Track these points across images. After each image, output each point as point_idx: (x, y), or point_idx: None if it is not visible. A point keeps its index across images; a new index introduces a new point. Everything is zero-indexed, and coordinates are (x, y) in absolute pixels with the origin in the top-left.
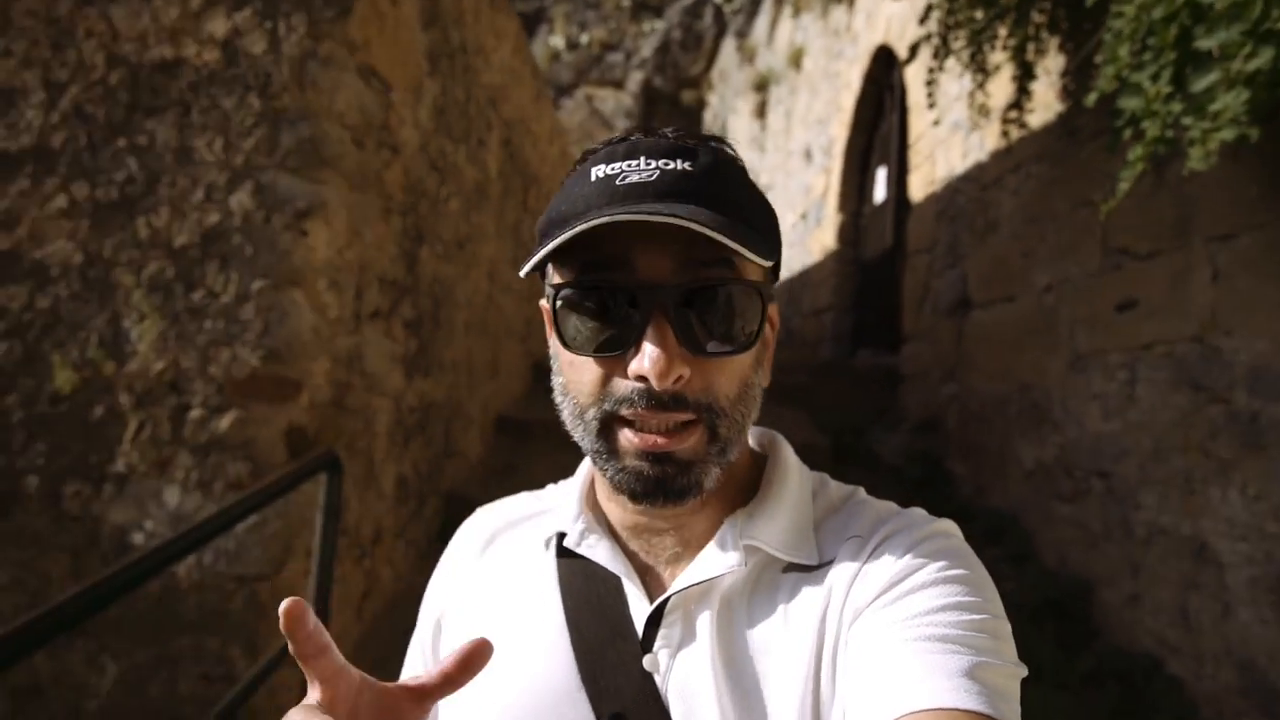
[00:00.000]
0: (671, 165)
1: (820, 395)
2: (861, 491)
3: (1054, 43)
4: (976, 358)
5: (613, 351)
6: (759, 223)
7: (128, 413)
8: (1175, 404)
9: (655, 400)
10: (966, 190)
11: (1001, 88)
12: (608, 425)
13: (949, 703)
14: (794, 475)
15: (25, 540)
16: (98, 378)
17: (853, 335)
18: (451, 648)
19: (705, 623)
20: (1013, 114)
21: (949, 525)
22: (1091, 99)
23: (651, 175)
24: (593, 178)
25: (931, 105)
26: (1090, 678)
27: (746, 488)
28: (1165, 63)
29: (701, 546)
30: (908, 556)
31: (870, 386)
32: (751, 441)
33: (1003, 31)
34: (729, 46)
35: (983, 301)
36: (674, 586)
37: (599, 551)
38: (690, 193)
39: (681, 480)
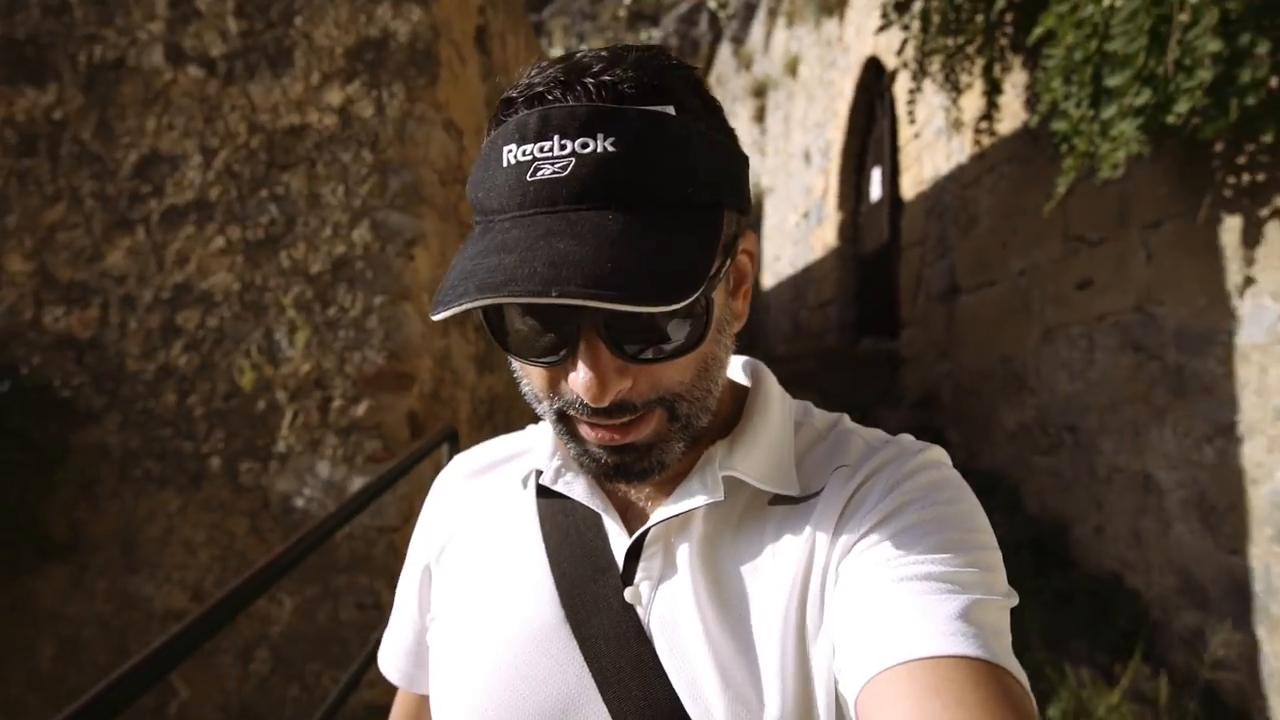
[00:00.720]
0: (590, 147)
1: (828, 380)
2: (846, 419)
3: (1018, 60)
4: (965, 338)
5: (550, 358)
6: (706, 194)
7: (285, 405)
8: (1123, 364)
9: (599, 411)
10: (950, 189)
11: (973, 101)
12: (564, 416)
13: (944, 649)
14: (775, 406)
15: (213, 507)
16: (260, 378)
17: (855, 325)
18: (440, 592)
19: (686, 554)
20: (983, 124)
21: (939, 454)
22: (1034, 121)
23: (566, 167)
24: (504, 163)
25: (912, 121)
26: (1064, 596)
27: (729, 420)
28: (1084, 95)
29: (681, 479)
30: (898, 488)
31: (873, 370)
32: (737, 373)
33: (971, 52)
34: (725, 52)
35: (969, 287)
36: (654, 519)
37: (576, 488)
38: (611, 190)
39: (642, 464)
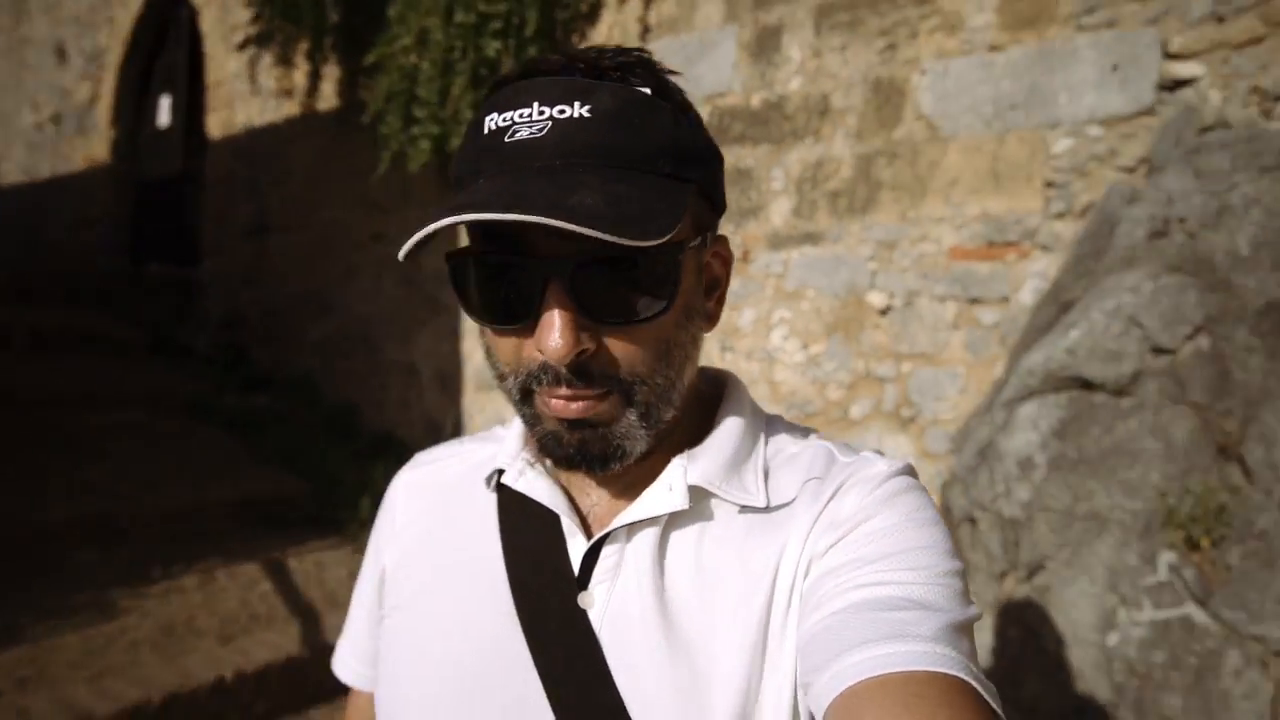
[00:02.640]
0: (566, 112)
1: (121, 299)
2: (818, 433)
3: (334, 58)
4: (276, 269)
5: (515, 323)
6: (672, 166)
7: None
8: (401, 293)
9: (559, 377)
10: (266, 141)
11: (299, 79)
12: (527, 391)
13: (916, 665)
14: (744, 417)
15: None
16: None
17: (130, 249)
18: (394, 592)
19: (643, 560)
20: (307, 101)
21: (907, 469)
22: (366, 119)
23: (543, 129)
24: (485, 129)
25: (253, 80)
26: (360, 451)
27: (696, 430)
28: (398, 116)
29: (644, 486)
30: (868, 504)
31: (167, 293)
32: (705, 384)
33: (304, 45)
34: None
35: (281, 228)
36: (613, 524)
37: (538, 488)
38: (583, 150)
39: (601, 447)
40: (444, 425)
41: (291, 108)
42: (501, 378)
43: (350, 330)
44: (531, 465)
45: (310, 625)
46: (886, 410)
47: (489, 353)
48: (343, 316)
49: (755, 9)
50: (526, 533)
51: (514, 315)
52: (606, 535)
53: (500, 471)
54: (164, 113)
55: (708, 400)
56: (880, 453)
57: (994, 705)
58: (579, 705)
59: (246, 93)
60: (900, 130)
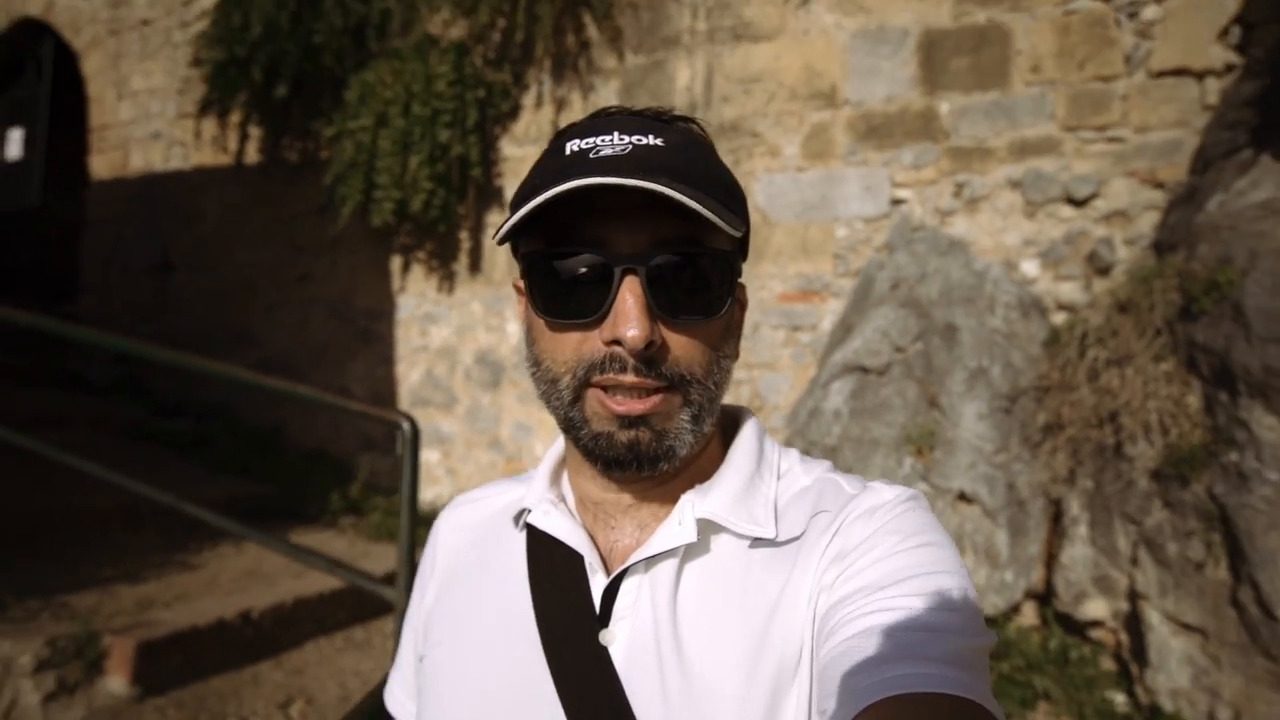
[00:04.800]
0: (644, 140)
1: None
2: (830, 466)
3: (256, 119)
4: (182, 305)
5: (587, 318)
6: (725, 198)
7: None
8: (331, 326)
9: (629, 365)
10: (170, 186)
11: (207, 129)
12: (580, 393)
13: (930, 686)
14: (754, 451)
15: None
16: None
17: None
18: (433, 630)
19: (658, 595)
20: (226, 156)
21: (916, 496)
22: (328, 180)
23: (624, 149)
24: (567, 151)
25: (179, 142)
26: (295, 465)
27: (711, 463)
28: (359, 177)
29: (659, 523)
30: (875, 533)
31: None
32: (722, 418)
33: (236, 113)
34: None
35: (189, 267)
36: (630, 560)
37: (561, 528)
38: (660, 167)
39: (655, 446)
40: (376, 440)
41: (200, 157)
42: (553, 381)
43: (272, 360)
44: (556, 505)
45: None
46: (743, 402)
47: (538, 363)
48: (264, 348)
49: None
50: (552, 571)
51: (585, 309)
52: (624, 572)
53: (527, 510)
54: (15, 145)
55: (723, 434)
56: (889, 482)
57: None
58: None
59: (145, 139)
60: None
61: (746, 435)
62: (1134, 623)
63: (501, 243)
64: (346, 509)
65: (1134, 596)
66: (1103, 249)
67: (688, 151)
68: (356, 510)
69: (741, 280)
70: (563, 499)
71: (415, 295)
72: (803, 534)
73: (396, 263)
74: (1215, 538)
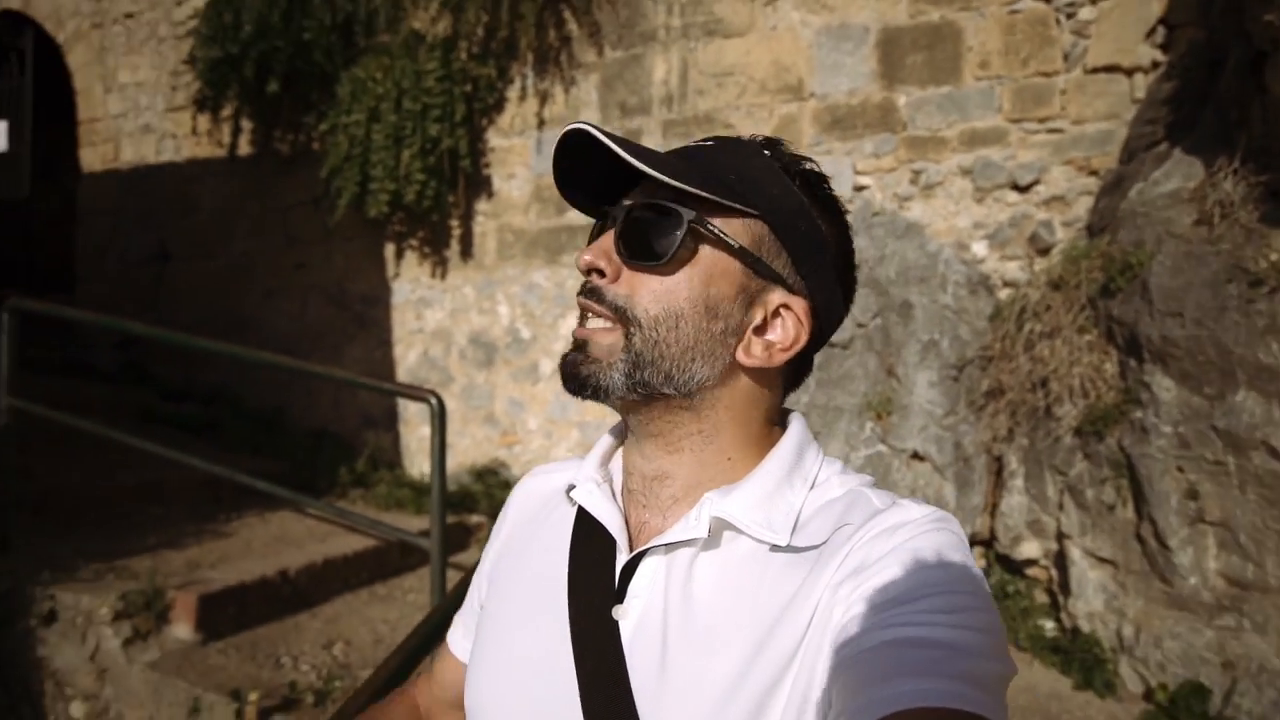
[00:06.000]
0: (692, 143)
1: None
2: (866, 480)
3: (248, 113)
4: (181, 293)
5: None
6: (752, 196)
7: None
8: (329, 313)
9: (584, 289)
10: (162, 178)
11: (223, 130)
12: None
13: (944, 702)
14: (789, 459)
15: None
16: None
17: None
18: (492, 589)
19: (671, 581)
20: (223, 147)
21: (943, 517)
22: (324, 173)
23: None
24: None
25: (170, 134)
26: (301, 443)
27: (744, 467)
28: (355, 170)
29: (685, 511)
30: (896, 549)
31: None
32: (774, 424)
33: (229, 108)
34: None
35: (185, 256)
36: (646, 544)
37: (598, 505)
38: (682, 153)
39: (584, 369)
40: (378, 418)
41: (196, 149)
42: None
43: (271, 345)
44: (599, 485)
45: (360, 535)
46: None
47: None
48: (263, 334)
49: (622, 118)
50: (589, 545)
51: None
52: (643, 554)
53: (573, 486)
54: (1, 138)
55: (769, 438)
56: (920, 502)
57: None
58: (602, 712)
59: (136, 132)
60: None
61: (787, 442)
62: (1061, 559)
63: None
64: (354, 482)
65: (1060, 537)
66: (1043, 231)
67: (711, 146)
68: (363, 483)
69: (800, 296)
70: (609, 479)
71: (409, 281)
72: (824, 544)
73: (390, 250)
74: (1124, 483)
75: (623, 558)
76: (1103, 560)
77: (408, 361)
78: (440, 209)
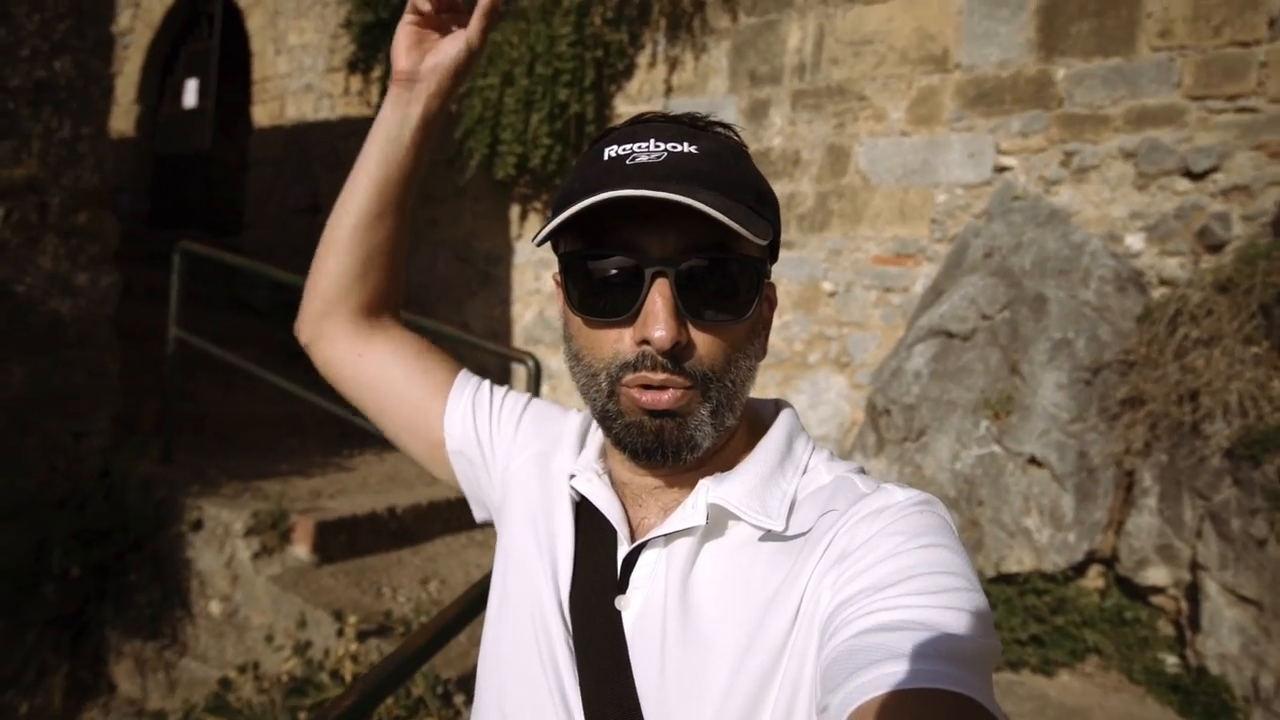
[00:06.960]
0: (678, 148)
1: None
2: (853, 467)
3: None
4: None
5: (620, 316)
6: (756, 203)
7: None
8: (456, 268)
9: (656, 363)
10: (318, 134)
11: (373, 91)
12: (615, 388)
13: (932, 683)
14: (781, 446)
15: None
16: None
17: (148, 219)
18: (502, 517)
19: (672, 571)
20: (373, 107)
21: (927, 499)
22: (458, 135)
23: (659, 157)
24: (604, 158)
25: (327, 94)
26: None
27: (739, 454)
28: (486, 136)
29: (681, 504)
30: (881, 533)
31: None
32: (761, 412)
33: (379, 67)
34: None
35: (331, 208)
36: (647, 535)
37: (600, 497)
38: (693, 175)
39: (679, 437)
40: (493, 373)
41: (347, 109)
42: (592, 376)
43: (405, 295)
44: (600, 475)
45: None
46: (831, 358)
47: (578, 358)
48: (411, 280)
49: (751, 87)
50: (592, 534)
51: (618, 309)
52: (644, 545)
53: (571, 475)
54: (191, 94)
55: (759, 427)
56: (905, 486)
57: None
58: (602, 695)
59: (299, 90)
60: (845, 179)
61: (777, 430)
62: (1193, 591)
63: (540, 244)
64: None
65: (1195, 567)
66: (1216, 225)
67: (721, 158)
68: None
69: (771, 280)
70: (608, 471)
71: (531, 242)
72: (810, 530)
73: (515, 211)
74: (1279, 517)
75: (624, 549)
76: (1244, 599)
77: (524, 320)
78: (564, 173)
